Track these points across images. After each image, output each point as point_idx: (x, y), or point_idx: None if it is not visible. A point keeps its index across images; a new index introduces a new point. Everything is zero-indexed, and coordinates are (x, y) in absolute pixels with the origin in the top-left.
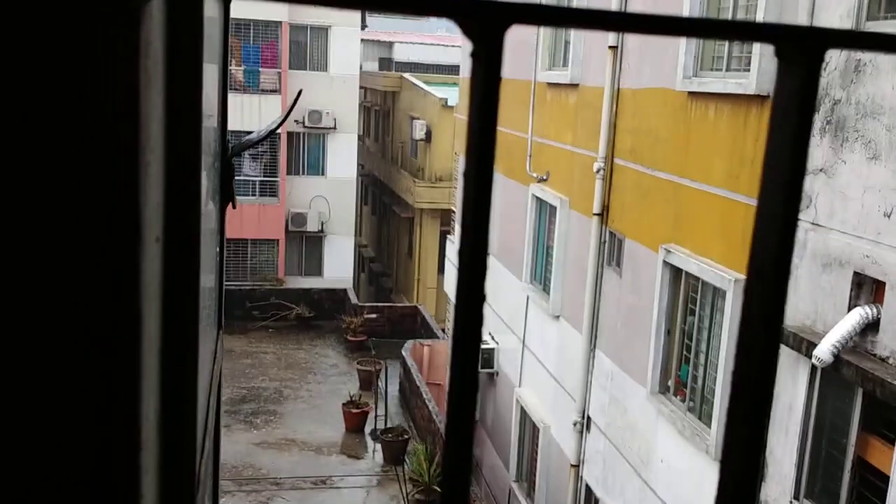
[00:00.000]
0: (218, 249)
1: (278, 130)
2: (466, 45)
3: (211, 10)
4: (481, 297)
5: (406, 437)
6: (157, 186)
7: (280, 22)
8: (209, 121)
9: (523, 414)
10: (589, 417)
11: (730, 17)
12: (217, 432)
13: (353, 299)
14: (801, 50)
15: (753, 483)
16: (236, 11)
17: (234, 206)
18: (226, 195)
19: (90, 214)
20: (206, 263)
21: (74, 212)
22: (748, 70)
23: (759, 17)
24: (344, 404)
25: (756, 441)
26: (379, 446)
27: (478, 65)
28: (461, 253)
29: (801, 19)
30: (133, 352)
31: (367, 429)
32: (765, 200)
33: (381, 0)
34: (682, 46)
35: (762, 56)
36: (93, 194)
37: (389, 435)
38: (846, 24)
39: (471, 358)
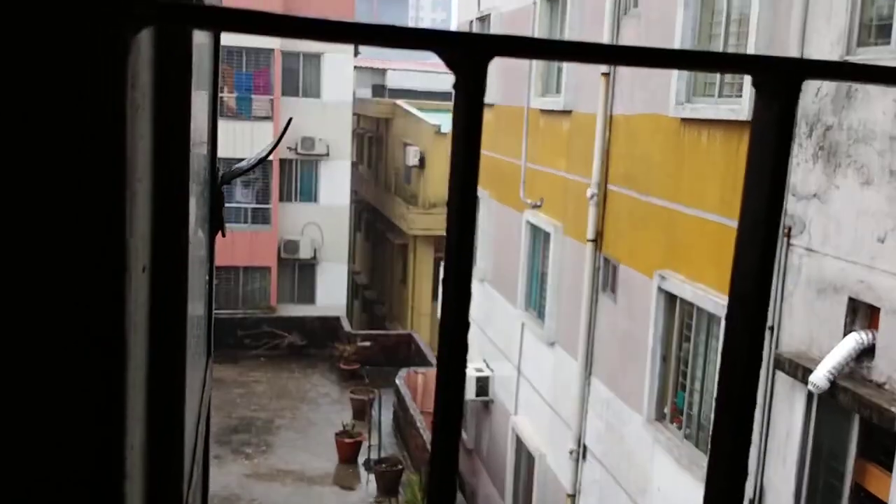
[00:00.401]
0: (207, 277)
1: (270, 157)
2: (451, 77)
3: (201, 37)
4: (465, 324)
5: (400, 467)
6: (145, 215)
7: (272, 49)
8: (199, 148)
9: (519, 442)
10: (585, 446)
11: (721, 44)
12: (206, 461)
13: (347, 327)
14: (779, 81)
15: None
16: (228, 39)
17: (223, 235)
18: (215, 223)
19: (76, 245)
20: (194, 291)
21: (60, 242)
22: (740, 96)
23: (751, 44)
24: (337, 434)
25: (741, 458)
26: (373, 477)
27: (460, 96)
28: (445, 280)
29: (792, 46)
30: (118, 381)
31: (361, 459)
32: (744, 228)
33: (365, 35)
34: (675, 73)
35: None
36: (78, 225)
37: (383, 465)
38: (836, 50)
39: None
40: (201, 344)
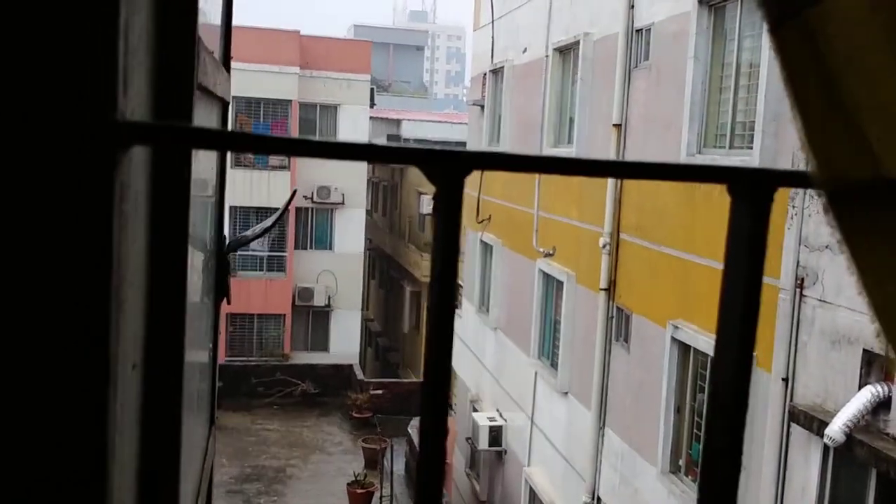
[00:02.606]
0: (211, 345)
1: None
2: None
3: (207, 119)
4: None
5: None
6: (137, 316)
7: (290, 101)
8: (205, 220)
9: (532, 494)
10: (599, 498)
11: (731, 95)
12: None
13: (359, 375)
14: (752, 189)
15: None
16: (246, 90)
17: (228, 303)
18: (221, 291)
19: (58, 347)
20: (197, 363)
21: (42, 343)
22: (751, 147)
23: (761, 96)
24: (349, 484)
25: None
26: None
27: (441, 206)
28: (424, 385)
29: None
30: (100, 478)
31: None
32: (721, 337)
33: (355, 152)
34: (686, 124)
35: (765, 133)
36: (60, 328)
37: None
38: None
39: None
40: (204, 412)
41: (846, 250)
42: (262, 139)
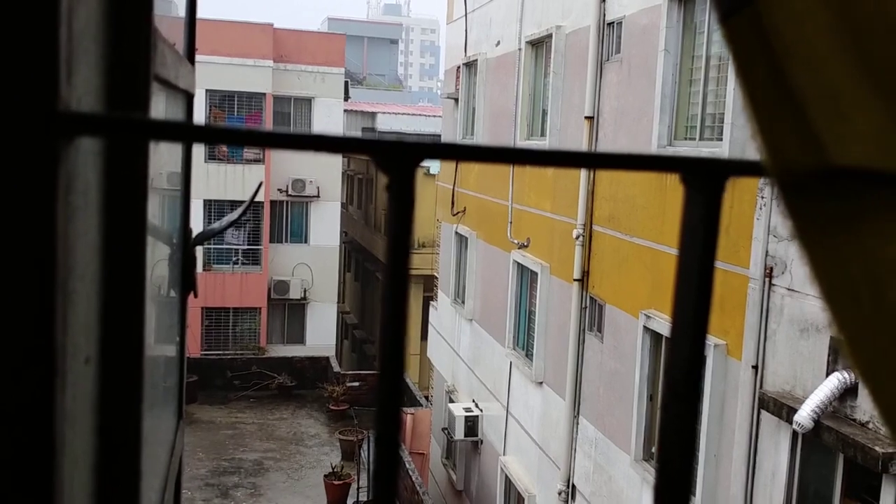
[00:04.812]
0: (178, 338)
1: (261, 200)
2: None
3: (172, 112)
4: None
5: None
6: (90, 310)
7: (264, 93)
8: (172, 213)
9: (508, 483)
10: (574, 486)
11: (701, 87)
12: None
13: (336, 367)
14: (705, 178)
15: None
16: (221, 83)
17: (195, 296)
18: (187, 285)
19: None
20: (162, 357)
21: None
22: (721, 139)
23: (730, 87)
24: (326, 476)
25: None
26: None
27: (392, 196)
28: (379, 382)
29: None
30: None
31: (350, 501)
32: (676, 321)
33: (307, 143)
34: (657, 117)
35: (734, 125)
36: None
37: None
38: None
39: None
40: (172, 406)
41: (798, 238)
42: (211, 130)
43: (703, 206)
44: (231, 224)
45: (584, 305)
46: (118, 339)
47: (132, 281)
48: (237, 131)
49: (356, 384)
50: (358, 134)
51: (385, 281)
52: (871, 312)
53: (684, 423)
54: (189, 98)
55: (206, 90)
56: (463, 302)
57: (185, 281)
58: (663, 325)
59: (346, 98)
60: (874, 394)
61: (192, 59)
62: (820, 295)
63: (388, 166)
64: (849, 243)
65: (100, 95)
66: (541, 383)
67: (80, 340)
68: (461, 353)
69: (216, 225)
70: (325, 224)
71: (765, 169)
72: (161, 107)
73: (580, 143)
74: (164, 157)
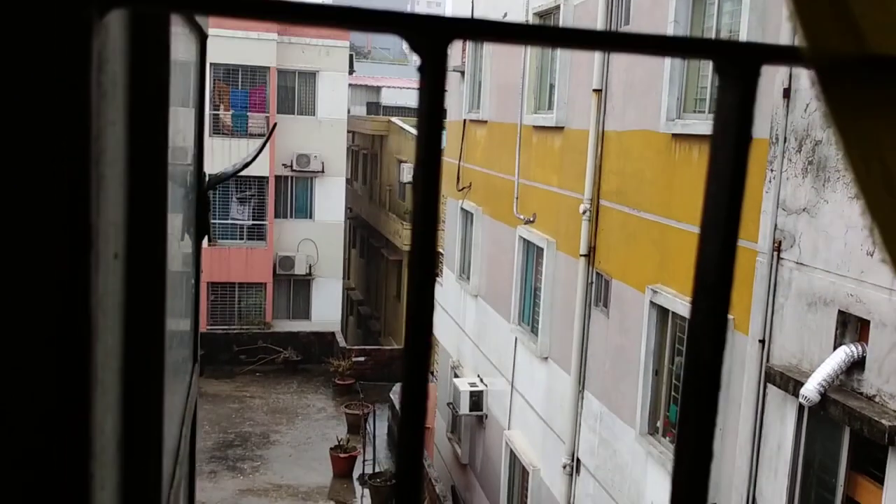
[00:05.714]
0: (193, 281)
1: (265, 175)
2: (415, 60)
3: (186, 51)
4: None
5: (395, 481)
6: (117, 202)
7: (268, 67)
8: (184, 155)
9: (513, 457)
10: (578, 460)
11: (714, 31)
12: (192, 466)
13: (342, 342)
14: (739, 64)
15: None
16: (225, 57)
17: (209, 240)
18: (202, 228)
19: (38, 226)
20: (178, 289)
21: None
22: None
23: (743, 29)
24: (332, 449)
25: (706, 451)
26: (367, 491)
27: (424, 76)
28: (411, 264)
29: (784, 32)
30: (84, 362)
31: (356, 474)
32: (708, 215)
33: (328, 17)
34: (665, 89)
35: None
36: (41, 205)
37: (378, 480)
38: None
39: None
40: (186, 346)
41: (832, 124)
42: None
43: (737, 95)
44: (245, 166)
45: (590, 281)
46: (143, 235)
47: (156, 174)
48: (265, 3)
49: (362, 359)
50: (363, 110)
51: (415, 171)
52: None
53: (715, 319)
54: (203, 38)
55: (211, 63)
56: (468, 278)
57: (200, 224)
58: (670, 299)
59: (351, 72)
60: None
61: None
62: (853, 181)
63: (421, 43)
64: (885, 129)
65: None
66: (546, 358)
67: (109, 231)
68: (466, 329)
69: (229, 168)
70: (330, 200)
71: (801, 54)
72: (179, 46)
73: (588, 117)
74: (176, 95)
